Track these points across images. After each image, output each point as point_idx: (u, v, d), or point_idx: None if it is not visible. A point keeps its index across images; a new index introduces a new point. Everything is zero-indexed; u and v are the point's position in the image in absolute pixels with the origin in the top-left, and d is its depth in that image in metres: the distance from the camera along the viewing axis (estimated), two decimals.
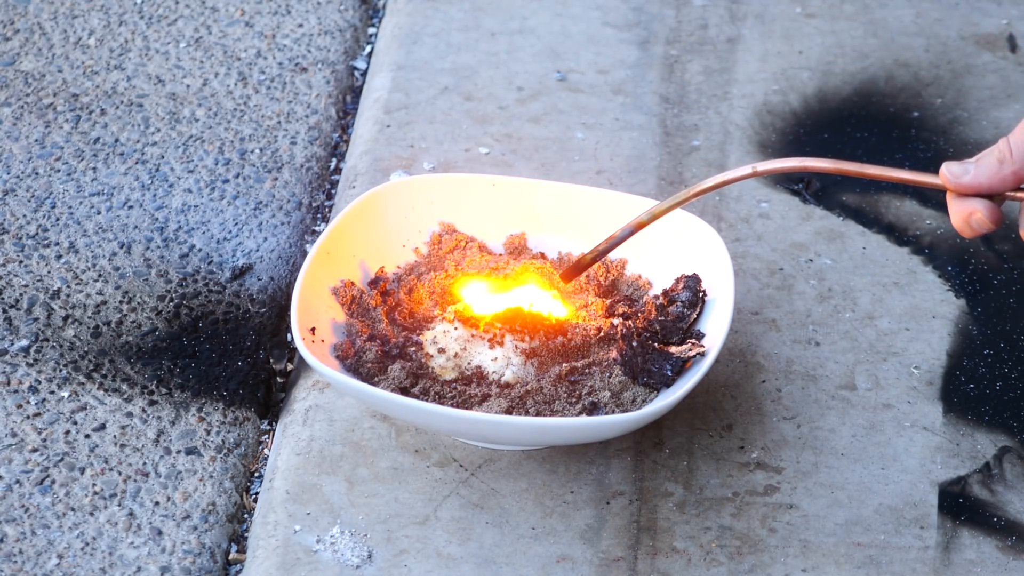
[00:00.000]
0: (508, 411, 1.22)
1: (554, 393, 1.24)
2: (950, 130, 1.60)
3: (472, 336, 1.27)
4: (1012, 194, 1.10)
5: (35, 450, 1.28)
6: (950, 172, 1.11)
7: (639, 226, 1.25)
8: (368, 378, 1.25)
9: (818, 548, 1.21)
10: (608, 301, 1.31)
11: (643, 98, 1.62)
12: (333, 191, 1.56)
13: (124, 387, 1.34)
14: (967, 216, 1.11)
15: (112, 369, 1.35)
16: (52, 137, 1.57)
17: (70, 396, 1.32)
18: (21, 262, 1.44)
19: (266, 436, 1.33)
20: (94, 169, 1.54)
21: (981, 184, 1.10)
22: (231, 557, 1.24)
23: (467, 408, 1.23)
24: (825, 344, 1.37)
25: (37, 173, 1.53)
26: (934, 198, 1.52)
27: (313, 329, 1.25)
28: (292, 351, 1.39)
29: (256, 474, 1.30)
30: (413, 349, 1.28)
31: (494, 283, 1.33)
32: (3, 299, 1.40)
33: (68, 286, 1.42)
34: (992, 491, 1.26)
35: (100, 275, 1.43)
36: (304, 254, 1.48)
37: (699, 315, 1.28)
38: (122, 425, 1.30)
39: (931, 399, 1.32)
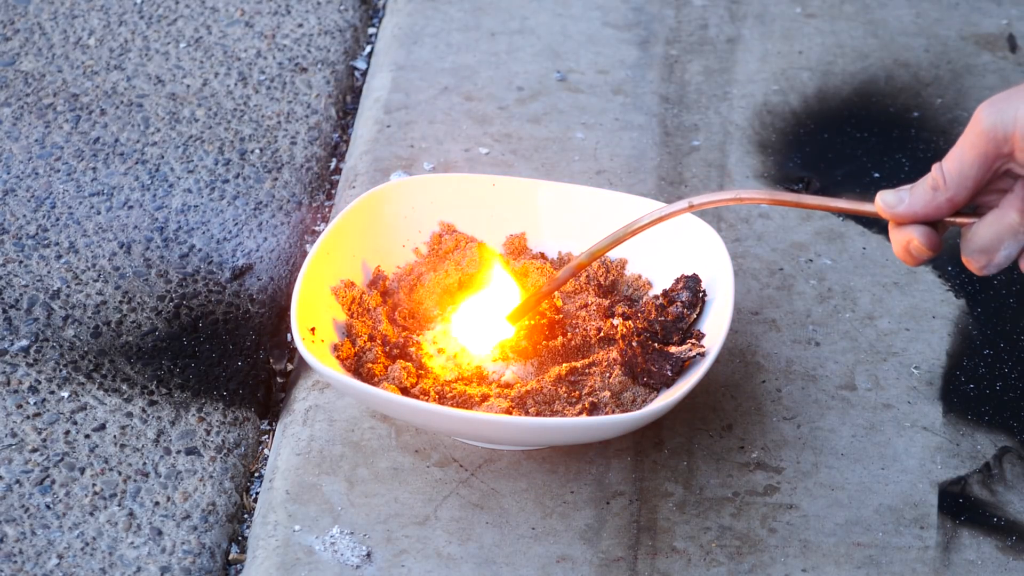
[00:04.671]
0: (508, 411, 1.22)
1: (554, 393, 1.24)
2: (950, 130, 1.60)
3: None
4: (951, 219, 1.09)
5: (35, 450, 1.28)
6: (884, 202, 1.10)
7: (579, 267, 1.25)
8: (368, 378, 1.25)
9: (818, 548, 1.21)
10: (608, 301, 1.31)
11: (643, 98, 1.62)
12: (333, 191, 1.56)
13: (124, 387, 1.34)
14: (906, 244, 1.10)
15: (112, 369, 1.35)
16: (52, 137, 1.57)
17: (70, 396, 1.32)
18: (21, 262, 1.44)
19: (266, 436, 1.33)
20: (94, 169, 1.54)
21: (916, 213, 1.09)
22: (231, 557, 1.24)
23: (467, 408, 1.23)
24: (825, 344, 1.37)
25: (37, 173, 1.53)
26: None
27: (313, 329, 1.25)
28: (292, 351, 1.39)
29: (256, 474, 1.30)
30: (413, 349, 1.28)
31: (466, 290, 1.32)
32: (3, 299, 1.40)
33: (68, 286, 1.42)
34: (992, 491, 1.26)
35: (100, 275, 1.43)
36: (304, 254, 1.48)
37: (699, 315, 1.28)
38: (122, 425, 1.30)
39: (931, 399, 1.32)
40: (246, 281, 1.44)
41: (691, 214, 1.33)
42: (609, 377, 1.25)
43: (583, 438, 1.22)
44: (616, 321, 1.27)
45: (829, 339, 1.37)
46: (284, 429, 1.30)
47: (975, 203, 1.10)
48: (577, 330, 1.29)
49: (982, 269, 1.09)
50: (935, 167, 1.08)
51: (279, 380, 1.37)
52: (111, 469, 1.27)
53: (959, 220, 1.09)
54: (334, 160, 1.60)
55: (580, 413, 1.21)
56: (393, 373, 1.25)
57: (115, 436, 1.30)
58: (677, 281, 1.29)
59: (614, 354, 1.26)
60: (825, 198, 1.14)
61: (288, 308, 1.38)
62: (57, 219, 1.49)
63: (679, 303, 1.27)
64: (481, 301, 1.30)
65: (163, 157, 1.56)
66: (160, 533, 1.23)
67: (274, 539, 1.21)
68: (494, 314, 1.28)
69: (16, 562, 1.21)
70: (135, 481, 1.27)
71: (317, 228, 1.52)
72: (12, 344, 1.36)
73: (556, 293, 1.31)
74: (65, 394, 1.33)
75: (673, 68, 1.67)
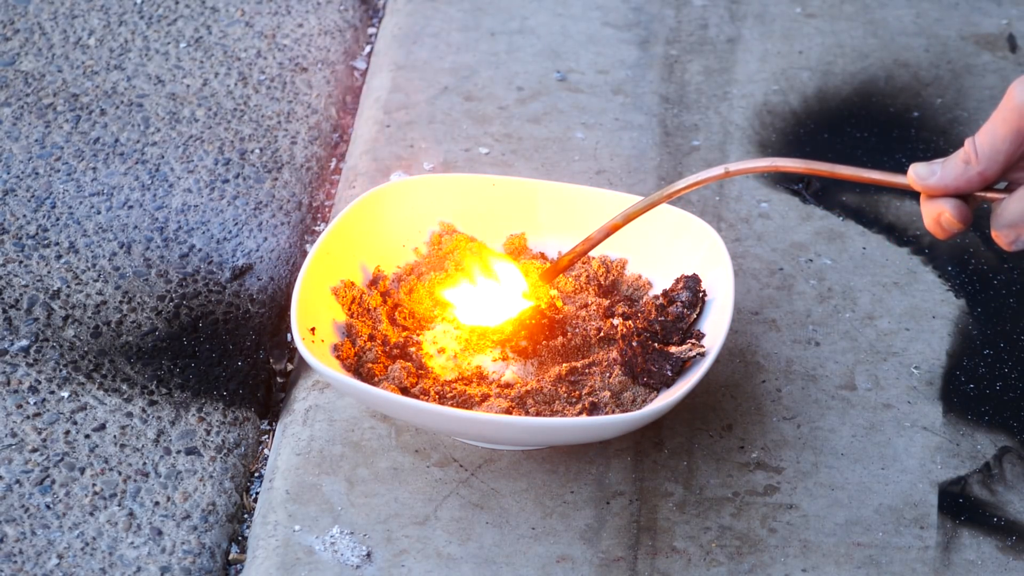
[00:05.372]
0: (508, 411, 1.22)
1: (554, 393, 1.24)
2: (950, 130, 1.60)
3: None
4: (982, 194, 1.11)
5: (35, 450, 1.28)
6: (917, 174, 1.12)
7: (614, 227, 1.26)
8: (368, 378, 1.25)
9: (818, 548, 1.21)
10: (608, 301, 1.31)
11: (643, 98, 1.62)
12: (333, 191, 1.56)
13: (124, 387, 1.34)
14: (937, 217, 1.12)
15: (112, 369, 1.35)
16: (52, 137, 1.57)
17: (70, 396, 1.32)
18: (21, 262, 1.44)
19: (266, 436, 1.33)
20: (94, 169, 1.54)
21: (948, 185, 1.11)
22: (231, 557, 1.24)
23: (467, 408, 1.23)
24: (825, 344, 1.37)
25: (37, 173, 1.53)
26: None
27: (313, 329, 1.25)
28: (292, 351, 1.39)
29: (256, 474, 1.30)
30: (413, 349, 1.28)
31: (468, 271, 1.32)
32: (3, 299, 1.40)
33: (68, 286, 1.42)
34: (992, 491, 1.26)
35: (100, 275, 1.43)
36: (304, 254, 1.48)
37: (699, 315, 1.28)
38: (122, 425, 1.31)
39: (931, 399, 1.32)
40: (246, 281, 1.44)
41: (690, 214, 1.33)
42: (609, 377, 1.25)
43: (583, 438, 1.22)
44: (616, 321, 1.27)
45: (829, 339, 1.37)
46: (284, 429, 1.30)
47: (1006, 178, 1.11)
48: (577, 330, 1.29)
49: (1011, 244, 1.10)
50: (968, 141, 1.10)
51: (279, 380, 1.37)
52: (111, 469, 1.27)
53: (989, 195, 1.11)
54: (334, 160, 1.60)
55: (580, 413, 1.21)
56: (393, 373, 1.25)
57: (115, 436, 1.30)
58: (677, 281, 1.29)
59: (614, 354, 1.26)
60: (858, 168, 1.15)
61: (288, 308, 1.38)
62: (57, 219, 1.49)
63: (679, 303, 1.27)
64: (488, 284, 1.31)
65: (163, 157, 1.56)
66: (160, 533, 1.23)
67: (274, 539, 1.21)
68: (504, 292, 1.29)
69: (16, 562, 1.21)
70: (135, 481, 1.27)
71: (317, 228, 1.52)
72: (12, 344, 1.36)
73: (555, 292, 1.32)
74: (65, 394, 1.33)
75: (673, 68, 1.67)
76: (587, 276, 1.34)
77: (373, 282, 1.32)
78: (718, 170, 1.19)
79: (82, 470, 1.27)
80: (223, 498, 1.27)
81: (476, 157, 1.54)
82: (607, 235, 1.26)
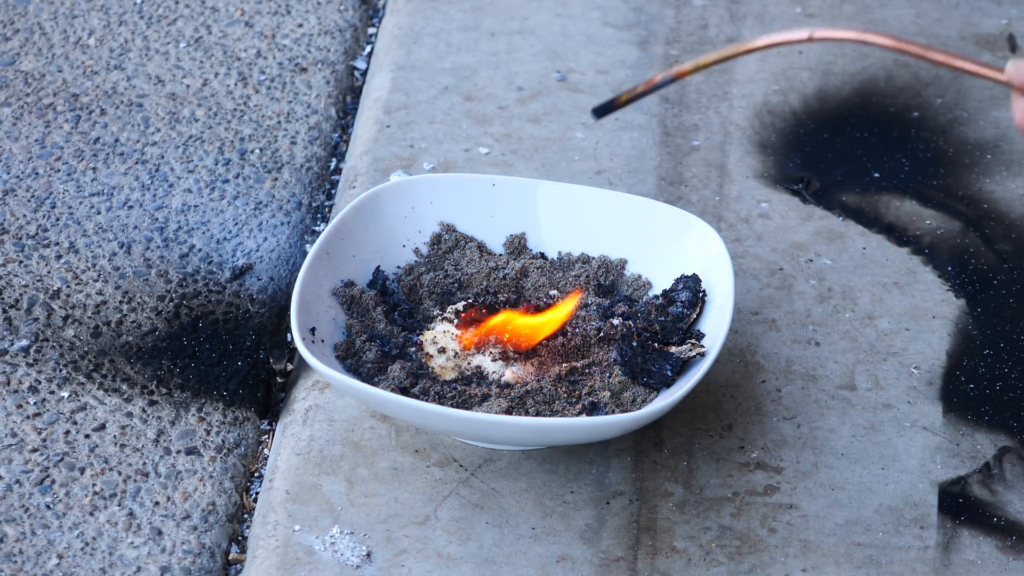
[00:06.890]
0: (508, 411, 1.22)
1: (554, 393, 1.24)
2: (950, 130, 1.60)
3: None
4: None
5: (35, 450, 1.28)
6: (1016, 68, 1.07)
7: (680, 74, 1.19)
8: (368, 378, 1.25)
9: (818, 548, 1.21)
10: (608, 301, 1.31)
11: (643, 98, 1.62)
12: (333, 191, 1.56)
13: (124, 387, 1.34)
14: None
15: (112, 369, 1.35)
16: (52, 137, 1.57)
17: (70, 396, 1.32)
18: (21, 262, 1.44)
19: (266, 436, 1.33)
20: (94, 169, 1.54)
21: None
22: (231, 557, 1.24)
23: (467, 408, 1.23)
24: (825, 344, 1.37)
25: (37, 173, 1.53)
26: (933, 198, 1.52)
27: (313, 329, 1.25)
28: (292, 351, 1.39)
29: (256, 474, 1.30)
30: (413, 349, 1.28)
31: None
32: (3, 299, 1.40)
33: (68, 286, 1.42)
34: (992, 491, 1.26)
35: (100, 275, 1.43)
36: (304, 254, 1.48)
37: (699, 315, 1.28)
38: (122, 425, 1.30)
39: (931, 399, 1.32)
40: (246, 281, 1.44)
41: (690, 214, 1.33)
42: (609, 377, 1.25)
43: (583, 438, 1.22)
44: (616, 321, 1.27)
45: (829, 339, 1.37)
46: (284, 429, 1.30)
47: None
48: (577, 330, 1.29)
49: None
50: None
51: (279, 380, 1.37)
52: (111, 469, 1.27)
53: None
54: (334, 160, 1.60)
55: (580, 413, 1.21)
56: (393, 373, 1.25)
57: (115, 436, 1.30)
58: (677, 281, 1.29)
59: (614, 354, 1.26)
60: (951, 55, 1.08)
61: (288, 308, 1.38)
62: (57, 219, 1.49)
63: (679, 303, 1.27)
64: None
65: (163, 157, 1.56)
66: (160, 533, 1.23)
67: (274, 539, 1.21)
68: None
69: (16, 562, 1.21)
70: (135, 481, 1.27)
71: (317, 228, 1.52)
72: (12, 344, 1.36)
73: (556, 293, 1.32)
74: (65, 394, 1.33)
75: (673, 68, 1.66)
76: (587, 276, 1.34)
77: (373, 282, 1.32)
78: (802, 33, 1.14)
79: (82, 470, 1.27)
80: (223, 498, 1.27)
81: (476, 157, 1.54)
82: (673, 80, 1.17)
